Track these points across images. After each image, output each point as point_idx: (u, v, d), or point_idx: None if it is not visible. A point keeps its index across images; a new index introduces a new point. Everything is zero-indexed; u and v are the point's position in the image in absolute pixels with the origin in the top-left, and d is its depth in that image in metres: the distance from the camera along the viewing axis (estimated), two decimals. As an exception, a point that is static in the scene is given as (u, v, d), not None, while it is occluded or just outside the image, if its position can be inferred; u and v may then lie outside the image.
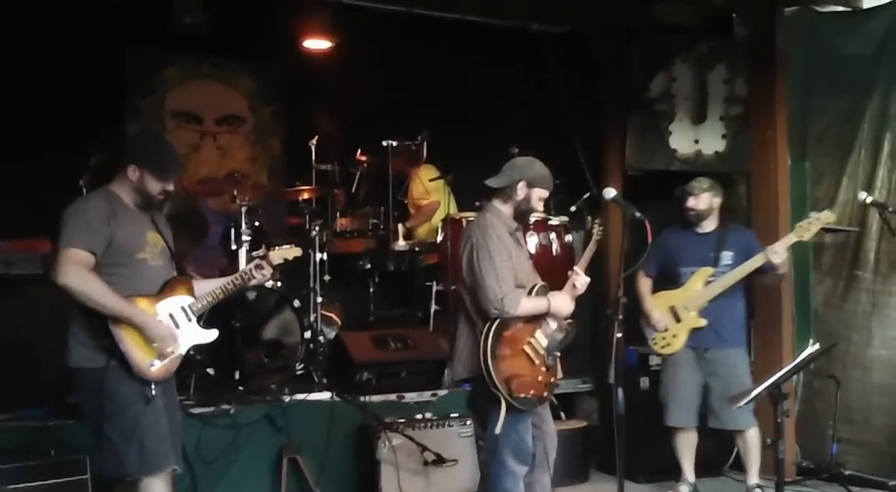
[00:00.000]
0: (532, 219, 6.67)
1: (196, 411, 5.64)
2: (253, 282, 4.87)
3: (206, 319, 4.79)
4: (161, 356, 4.41)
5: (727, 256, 6.15)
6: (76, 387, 4.49)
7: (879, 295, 6.93)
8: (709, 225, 6.29)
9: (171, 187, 4.60)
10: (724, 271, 6.10)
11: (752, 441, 6.15)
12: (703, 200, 6.25)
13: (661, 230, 6.21)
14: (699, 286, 6.14)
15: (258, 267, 4.85)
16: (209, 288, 4.72)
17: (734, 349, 6.17)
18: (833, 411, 6.79)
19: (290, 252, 5.04)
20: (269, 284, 6.36)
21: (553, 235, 7.06)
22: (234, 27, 7.86)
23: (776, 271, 6.02)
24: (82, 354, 4.37)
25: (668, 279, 6.31)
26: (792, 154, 7.23)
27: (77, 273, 4.26)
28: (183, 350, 4.54)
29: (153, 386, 4.39)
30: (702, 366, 6.15)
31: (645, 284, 6.32)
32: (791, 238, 5.96)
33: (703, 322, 6.10)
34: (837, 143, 7.32)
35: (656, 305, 6.25)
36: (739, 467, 6.44)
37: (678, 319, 6.18)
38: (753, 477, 6.18)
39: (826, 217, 5.95)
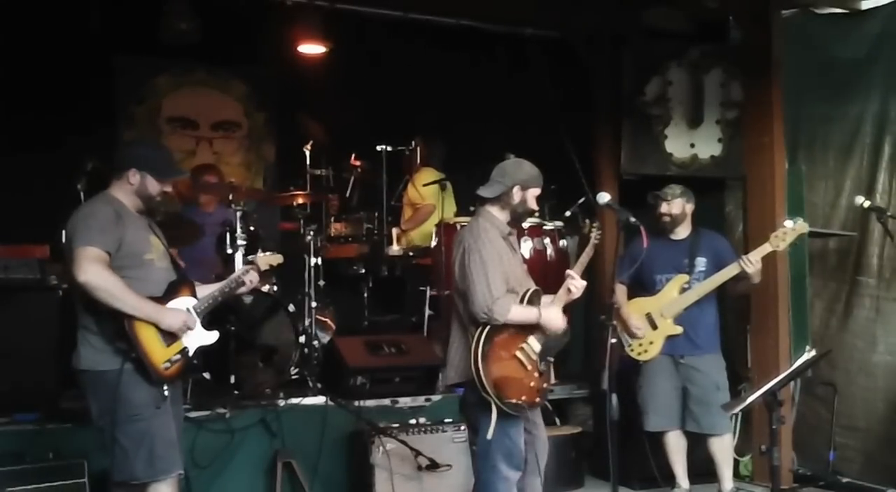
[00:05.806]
0: (527, 224, 6.68)
1: (191, 415, 5.64)
2: (243, 288, 4.95)
3: (203, 323, 4.80)
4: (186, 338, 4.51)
5: (701, 263, 6.16)
6: (85, 390, 4.48)
7: (883, 301, 6.92)
8: (682, 231, 6.29)
9: (169, 189, 4.75)
10: (699, 278, 6.12)
11: (728, 446, 6.23)
12: (677, 205, 6.25)
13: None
14: (675, 293, 6.15)
15: (248, 272, 4.95)
16: (207, 292, 4.78)
17: (709, 355, 6.20)
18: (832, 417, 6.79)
19: (273, 259, 5.20)
20: (266, 288, 6.41)
21: (547, 240, 7.05)
22: (224, 34, 7.86)
23: (750, 280, 6.04)
24: (93, 357, 4.38)
25: (641, 286, 6.30)
26: (789, 158, 7.21)
27: (97, 270, 4.28)
28: (191, 351, 4.58)
29: (165, 387, 4.43)
30: (679, 372, 6.16)
31: (620, 291, 6.24)
32: (766, 248, 5.94)
33: (679, 329, 6.12)
34: (837, 147, 7.30)
35: (632, 312, 6.25)
36: (736, 473, 6.45)
37: (654, 326, 6.19)
38: (729, 482, 6.20)
39: (800, 227, 5.95)
